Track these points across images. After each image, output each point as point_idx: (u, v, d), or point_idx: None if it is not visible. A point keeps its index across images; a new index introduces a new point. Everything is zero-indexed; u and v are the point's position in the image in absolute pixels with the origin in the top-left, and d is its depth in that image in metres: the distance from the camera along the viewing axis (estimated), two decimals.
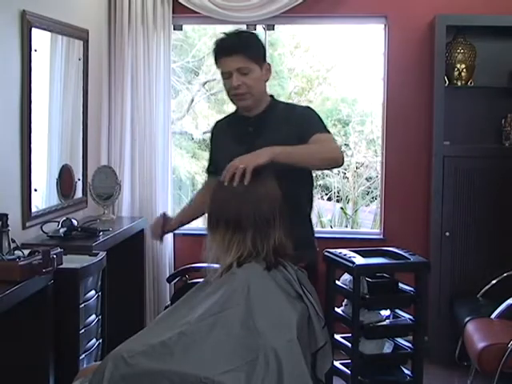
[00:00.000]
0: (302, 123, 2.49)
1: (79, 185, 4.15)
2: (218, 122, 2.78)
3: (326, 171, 6.74)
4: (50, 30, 3.68)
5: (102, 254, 3.32)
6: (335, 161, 2.42)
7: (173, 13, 4.53)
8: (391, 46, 4.53)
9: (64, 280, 2.96)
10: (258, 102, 2.56)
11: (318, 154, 2.38)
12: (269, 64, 2.58)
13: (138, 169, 4.57)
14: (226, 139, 2.64)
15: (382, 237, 4.63)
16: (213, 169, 2.72)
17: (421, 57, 4.46)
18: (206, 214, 2.18)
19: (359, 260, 3.32)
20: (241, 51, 2.48)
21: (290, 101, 7.11)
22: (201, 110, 6.74)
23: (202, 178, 6.61)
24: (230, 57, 2.48)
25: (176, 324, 2.00)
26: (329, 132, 2.53)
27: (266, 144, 2.32)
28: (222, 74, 2.53)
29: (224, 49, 2.51)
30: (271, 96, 2.64)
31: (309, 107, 2.65)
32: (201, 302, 2.05)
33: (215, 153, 2.74)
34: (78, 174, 4.14)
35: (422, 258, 3.58)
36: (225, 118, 2.78)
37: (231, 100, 2.58)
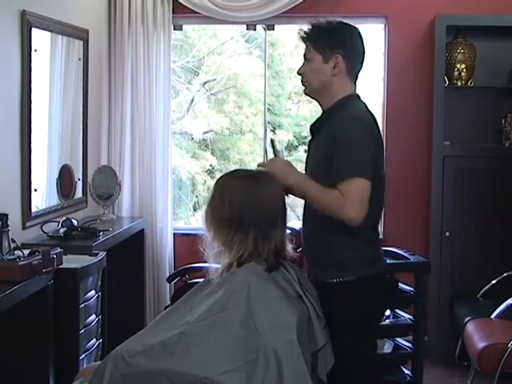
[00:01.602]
0: (335, 147, 2.29)
1: (79, 185, 4.15)
2: None
3: None
4: (50, 30, 3.68)
5: (102, 254, 3.32)
6: (342, 219, 2.22)
7: (173, 13, 4.53)
8: (391, 46, 4.53)
9: (64, 280, 2.96)
10: (316, 93, 2.49)
11: (326, 208, 2.24)
12: (338, 56, 2.40)
13: (138, 169, 4.57)
14: None
15: (381, 237, 4.63)
16: None
17: (421, 57, 4.46)
18: (207, 213, 2.17)
19: None
20: (307, 38, 2.47)
21: (288, 101, 7.11)
22: (201, 109, 6.74)
23: (201, 178, 6.62)
24: (303, 43, 2.49)
25: (176, 324, 2.00)
26: (356, 174, 2.22)
27: (315, 147, 2.44)
28: None
29: (301, 34, 2.51)
30: (349, 95, 2.44)
31: (349, 124, 2.32)
32: (201, 302, 2.05)
33: None
34: (78, 174, 4.14)
35: (422, 258, 3.58)
36: None
37: None
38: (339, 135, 2.29)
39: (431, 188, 4.35)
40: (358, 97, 2.47)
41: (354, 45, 2.46)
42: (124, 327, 3.11)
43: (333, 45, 2.41)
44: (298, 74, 2.50)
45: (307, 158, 2.54)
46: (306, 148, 2.58)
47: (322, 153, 2.35)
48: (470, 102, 4.45)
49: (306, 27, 2.50)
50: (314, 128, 2.50)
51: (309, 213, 2.40)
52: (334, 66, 2.40)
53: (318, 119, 2.51)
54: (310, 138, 2.57)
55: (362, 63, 2.48)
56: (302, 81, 2.50)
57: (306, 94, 2.54)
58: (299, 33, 2.50)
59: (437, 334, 4.25)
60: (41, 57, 3.60)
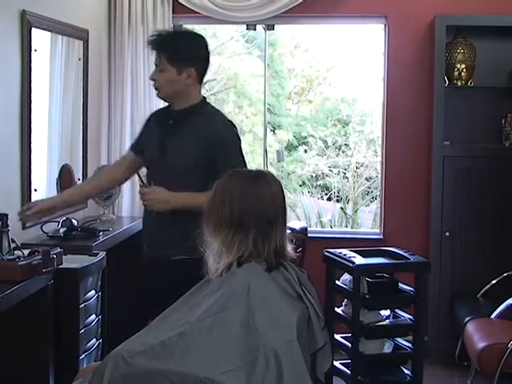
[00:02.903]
0: (219, 149, 2.66)
1: None
2: (156, 111, 3.03)
3: (325, 171, 6.74)
4: (50, 30, 3.68)
5: (102, 254, 3.32)
6: None
7: (173, 13, 4.53)
8: (391, 46, 4.53)
9: (64, 280, 2.97)
10: (172, 98, 2.78)
11: None
12: (191, 69, 2.69)
13: None
14: (154, 126, 2.86)
15: (381, 237, 4.63)
16: (135, 146, 2.96)
17: (421, 57, 4.46)
18: (207, 213, 2.17)
19: (359, 260, 3.33)
20: (160, 50, 2.69)
21: (288, 101, 7.12)
22: None
23: None
24: (154, 51, 2.72)
25: (176, 324, 2.00)
26: (244, 165, 2.70)
27: (175, 147, 2.69)
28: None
29: (151, 42, 2.72)
30: (202, 100, 2.80)
31: (230, 127, 2.76)
32: (201, 301, 2.05)
33: (142, 134, 2.94)
34: (78, 174, 4.14)
35: (422, 258, 3.58)
36: (163, 107, 3.01)
37: None
38: (220, 138, 2.67)
39: (431, 188, 4.35)
40: (205, 99, 2.84)
41: (204, 56, 2.77)
42: (124, 327, 3.11)
43: (187, 59, 2.69)
44: (151, 79, 2.76)
45: (161, 150, 2.75)
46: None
47: (195, 153, 2.66)
48: (470, 102, 4.45)
49: (157, 35, 2.73)
50: (171, 124, 2.75)
51: None
52: (187, 77, 2.70)
53: (168, 116, 2.79)
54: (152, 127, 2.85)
55: (208, 68, 2.81)
56: (154, 86, 2.75)
57: (159, 97, 2.82)
58: (152, 42, 2.71)
59: (437, 334, 4.25)
60: (41, 57, 3.60)
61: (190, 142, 2.70)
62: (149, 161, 2.83)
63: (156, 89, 2.77)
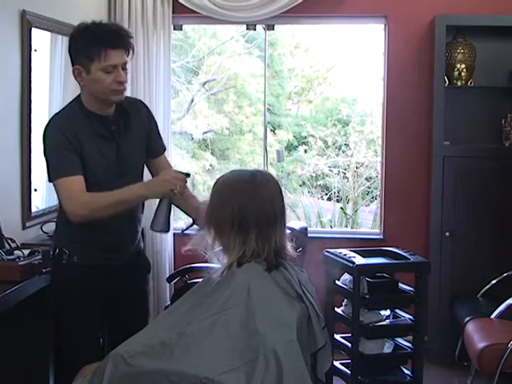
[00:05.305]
0: (150, 126, 2.70)
1: None
2: (63, 121, 2.52)
3: (325, 171, 6.74)
4: (50, 30, 3.69)
5: None
6: None
7: (173, 13, 4.53)
8: (391, 46, 4.53)
9: None
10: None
11: None
12: None
13: None
14: (91, 136, 2.51)
15: (381, 237, 4.63)
16: (79, 170, 2.45)
17: (421, 57, 4.46)
18: (206, 214, 2.17)
19: (359, 260, 3.32)
20: (129, 46, 2.49)
21: (288, 101, 7.12)
22: (201, 109, 6.74)
23: (202, 178, 6.62)
24: (119, 50, 2.45)
25: (176, 324, 2.00)
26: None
27: (130, 143, 2.58)
28: (106, 66, 2.43)
29: (116, 40, 2.45)
30: None
31: (143, 102, 2.78)
32: (201, 301, 2.05)
33: (75, 154, 2.46)
34: None
35: (422, 258, 3.58)
36: (65, 116, 2.56)
37: (105, 94, 2.48)
38: (152, 120, 2.71)
39: (431, 188, 4.35)
40: None
41: None
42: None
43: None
44: (123, 82, 2.50)
45: (119, 163, 2.57)
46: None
47: (143, 146, 2.66)
48: (470, 102, 4.45)
49: (124, 31, 2.53)
50: (114, 130, 2.57)
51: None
52: None
53: (103, 124, 2.54)
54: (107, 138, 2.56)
55: None
56: (121, 89, 2.50)
57: (116, 101, 2.55)
58: (127, 39, 2.50)
59: (437, 334, 4.25)
60: (41, 57, 3.60)
61: (135, 133, 2.61)
62: (100, 181, 2.50)
63: (120, 92, 2.51)
